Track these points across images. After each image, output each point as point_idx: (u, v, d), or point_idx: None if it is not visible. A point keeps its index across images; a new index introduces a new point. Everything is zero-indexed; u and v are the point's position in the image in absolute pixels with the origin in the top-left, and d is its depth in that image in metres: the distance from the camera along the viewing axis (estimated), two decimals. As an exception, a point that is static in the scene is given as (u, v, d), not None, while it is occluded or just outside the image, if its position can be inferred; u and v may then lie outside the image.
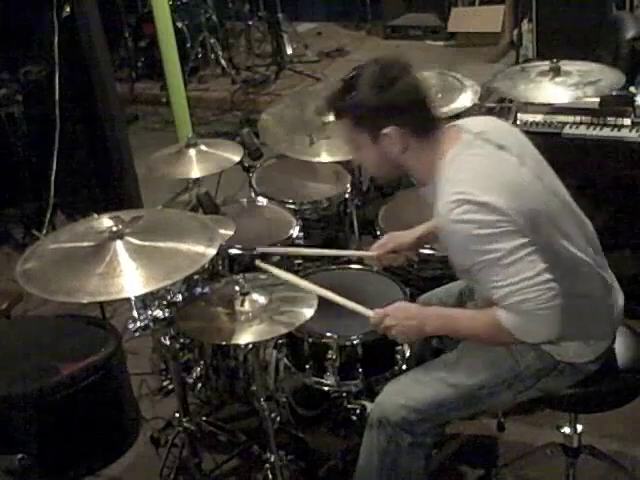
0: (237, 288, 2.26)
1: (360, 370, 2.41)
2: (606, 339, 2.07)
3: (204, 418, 2.77)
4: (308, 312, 2.18)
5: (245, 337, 2.16)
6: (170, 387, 3.01)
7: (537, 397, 2.15)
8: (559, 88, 3.01)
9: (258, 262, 2.41)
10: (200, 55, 6.42)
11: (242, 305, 2.23)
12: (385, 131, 1.92)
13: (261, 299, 2.25)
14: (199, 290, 2.40)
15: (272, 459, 2.43)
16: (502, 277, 1.83)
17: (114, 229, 2.10)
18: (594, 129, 3.08)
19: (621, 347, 2.17)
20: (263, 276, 2.43)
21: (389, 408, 2.11)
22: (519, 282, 1.82)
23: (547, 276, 1.83)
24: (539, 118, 3.17)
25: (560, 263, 1.89)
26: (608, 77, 3.04)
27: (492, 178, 1.88)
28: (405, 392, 2.13)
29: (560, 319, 1.86)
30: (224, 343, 2.32)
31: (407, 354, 2.43)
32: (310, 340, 2.41)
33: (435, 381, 2.11)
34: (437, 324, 2.07)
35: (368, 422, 2.18)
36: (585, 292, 1.98)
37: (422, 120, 1.95)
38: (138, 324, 2.28)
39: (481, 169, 1.90)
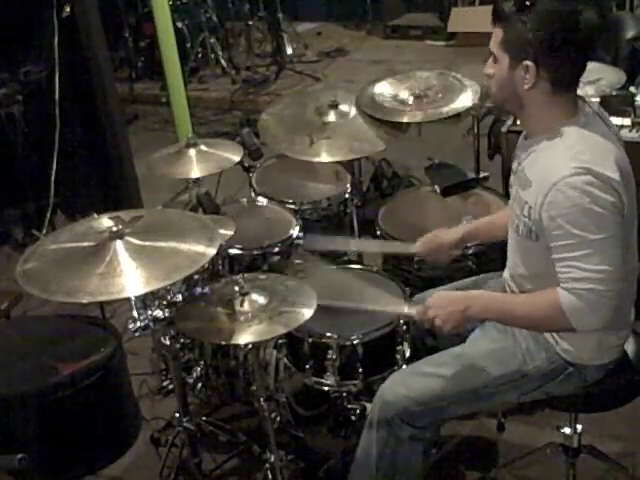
0: (237, 288, 2.26)
1: (360, 370, 2.41)
2: (625, 330, 2.06)
3: (204, 418, 2.77)
4: (308, 312, 2.18)
5: (245, 337, 2.16)
6: (170, 387, 3.01)
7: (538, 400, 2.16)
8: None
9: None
10: (200, 55, 6.42)
11: (242, 305, 2.23)
12: (525, 63, 1.84)
13: (261, 299, 2.25)
14: (199, 290, 2.40)
15: (272, 459, 2.43)
16: (585, 261, 1.80)
17: (114, 229, 2.10)
18: (594, 129, 3.08)
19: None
20: (263, 276, 2.43)
21: (391, 399, 2.11)
22: (599, 272, 1.80)
23: (620, 273, 1.82)
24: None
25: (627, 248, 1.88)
26: (608, 77, 3.04)
27: (614, 161, 1.83)
28: (408, 383, 2.13)
29: (613, 311, 1.84)
30: (224, 343, 2.32)
31: (407, 354, 2.43)
32: (310, 340, 2.41)
33: (439, 374, 2.11)
34: (482, 306, 2.01)
35: (369, 414, 2.18)
36: (625, 276, 1.94)
37: (567, 75, 1.87)
38: (138, 324, 2.28)
39: (606, 149, 1.85)
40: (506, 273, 2.18)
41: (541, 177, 1.86)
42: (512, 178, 2.08)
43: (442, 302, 2.02)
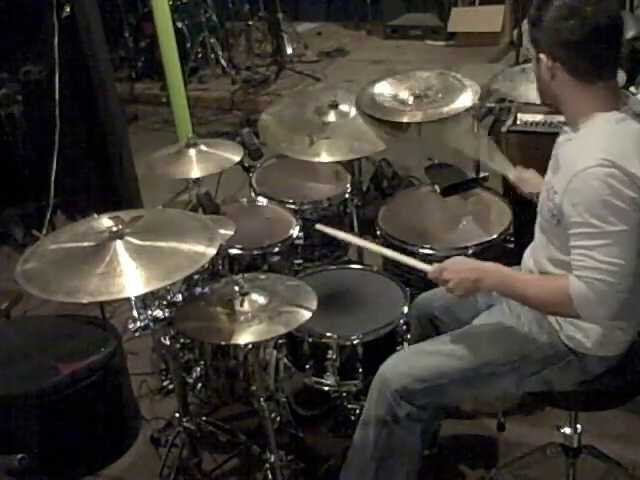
0: (236, 288, 2.26)
1: (360, 370, 2.41)
2: (632, 327, 2.06)
3: (204, 418, 2.77)
4: (307, 312, 2.18)
5: (244, 337, 2.16)
6: (170, 387, 3.01)
7: (538, 392, 2.15)
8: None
9: (319, 226, 2.48)
10: (200, 55, 6.42)
11: (242, 305, 2.23)
12: (540, 56, 1.94)
13: (260, 299, 2.25)
14: (199, 290, 2.41)
15: (272, 459, 2.43)
16: (600, 252, 1.82)
17: (114, 229, 2.10)
18: (594, 129, 3.08)
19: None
20: (263, 276, 2.43)
21: (391, 376, 2.13)
22: (612, 264, 1.81)
23: (633, 269, 1.84)
24: (539, 118, 3.16)
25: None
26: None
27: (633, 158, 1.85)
28: (409, 361, 2.16)
29: (621, 307, 1.86)
30: (224, 343, 2.32)
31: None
32: (310, 340, 2.41)
33: (440, 351, 2.15)
34: (495, 280, 2.03)
35: (369, 393, 2.19)
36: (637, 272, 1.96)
37: (581, 65, 1.91)
38: (138, 324, 2.28)
39: (636, 148, 1.87)
40: (527, 253, 2.21)
41: (568, 164, 1.91)
42: (550, 161, 2.11)
43: (457, 267, 2.06)
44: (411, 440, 2.17)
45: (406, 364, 2.15)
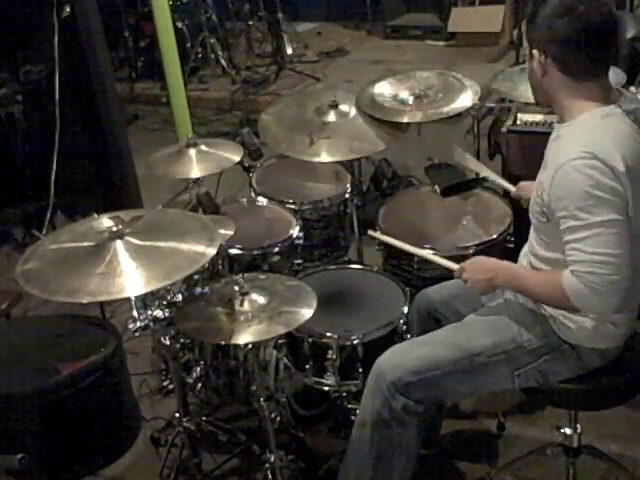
0: (236, 288, 2.26)
1: (360, 370, 2.41)
2: (625, 320, 2.06)
3: (204, 418, 2.77)
4: (307, 312, 2.18)
5: (244, 337, 2.16)
6: (170, 387, 3.01)
7: (536, 389, 2.16)
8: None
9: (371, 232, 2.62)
10: (200, 55, 6.41)
11: (241, 305, 2.23)
12: (534, 52, 1.97)
13: (260, 299, 2.25)
14: (199, 290, 2.40)
15: (272, 459, 2.43)
16: (587, 244, 1.85)
17: (114, 229, 2.10)
18: (594, 129, 3.08)
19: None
20: (263, 276, 2.43)
21: (387, 369, 2.15)
22: (600, 255, 1.83)
23: (626, 258, 1.84)
24: (539, 118, 3.16)
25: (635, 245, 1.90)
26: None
27: (623, 156, 1.86)
28: (404, 353, 2.19)
29: (622, 298, 1.87)
30: (223, 343, 2.32)
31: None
32: (310, 340, 2.41)
33: (433, 343, 2.19)
34: (506, 277, 2.11)
35: (365, 387, 2.22)
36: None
37: (573, 63, 1.93)
38: (138, 324, 2.28)
39: (620, 144, 1.88)
40: (522, 252, 2.25)
41: (553, 160, 1.94)
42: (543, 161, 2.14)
43: (474, 268, 2.16)
44: (408, 434, 2.19)
45: (401, 356, 2.17)
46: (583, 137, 1.90)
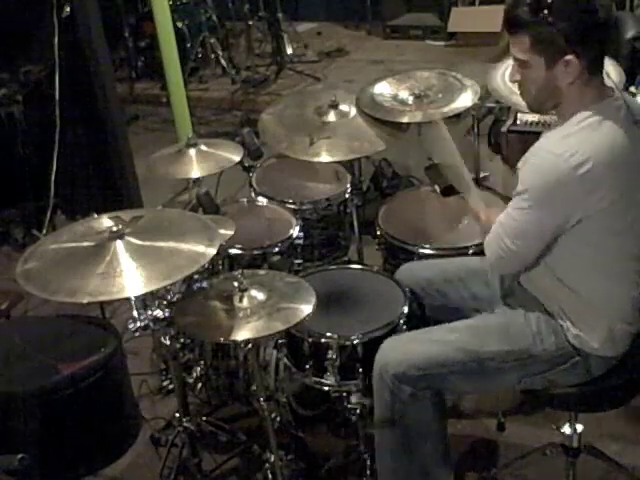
0: (235, 284, 2.25)
1: (360, 370, 2.41)
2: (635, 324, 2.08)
3: (204, 418, 2.77)
4: (307, 309, 2.18)
5: (243, 333, 2.15)
6: (170, 387, 3.01)
7: (537, 392, 2.16)
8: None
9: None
10: (200, 55, 6.41)
11: (241, 301, 2.23)
12: (567, 58, 1.86)
13: (260, 295, 2.24)
14: (198, 285, 2.40)
15: (272, 459, 2.43)
16: (511, 212, 1.98)
17: (114, 229, 2.10)
18: (594, 129, 3.08)
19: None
20: (262, 272, 2.43)
21: (390, 362, 2.15)
22: (511, 237, 1.98)
23: (524, 255, 2.01)
24: (539, 118, 3.16)
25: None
26: (608, 76, 3.03)
27: (596, 157, 1.85)
28: (409, 347, 2.18)
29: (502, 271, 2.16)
30: (222, 339, 2.32)
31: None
32: (310, 340, 2.41)
33: (444, 342, 2.15)
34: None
35: (373, 384, 2.22)
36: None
37: (598, 57, 1.90)
38: (138, 324, 2.28)
39: (599, 141, 1.87)
40: None
41: (530, 151, 1.97)
42: None
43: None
44: (426, 414, 2.18)
45: (405, 350, 2.16)
46: (562, 132, 1.91)
